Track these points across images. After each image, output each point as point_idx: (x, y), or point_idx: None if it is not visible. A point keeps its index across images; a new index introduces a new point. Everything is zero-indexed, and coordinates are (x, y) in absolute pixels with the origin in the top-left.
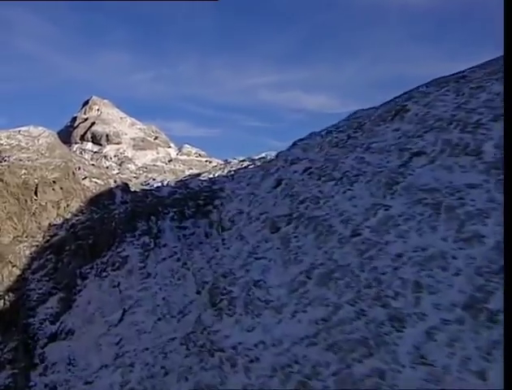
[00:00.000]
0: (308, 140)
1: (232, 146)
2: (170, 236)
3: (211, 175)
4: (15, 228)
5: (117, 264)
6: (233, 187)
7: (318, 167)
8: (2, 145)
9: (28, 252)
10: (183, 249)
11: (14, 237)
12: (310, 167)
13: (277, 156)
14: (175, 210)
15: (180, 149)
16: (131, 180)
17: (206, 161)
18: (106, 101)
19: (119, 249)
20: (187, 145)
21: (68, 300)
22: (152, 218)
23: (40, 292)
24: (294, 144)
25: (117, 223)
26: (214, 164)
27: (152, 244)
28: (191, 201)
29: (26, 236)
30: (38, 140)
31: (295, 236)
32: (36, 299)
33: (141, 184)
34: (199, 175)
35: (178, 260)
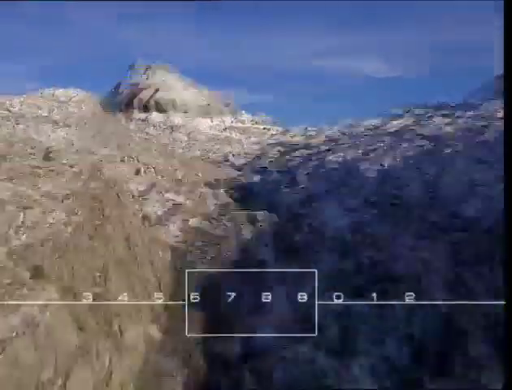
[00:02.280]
0: None
1: (287, 113)
2: None
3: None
4: None
5: None
6: None
7: None
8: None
9: None
10: None
11: None
12: None
13: None
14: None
15: (235, 116)
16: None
17: (264, 128)
18: (165, 65)
19: None
20: (243, 112)
21: None
22: None
23: None
24: None
25: None
26: (273, 132)
27: None
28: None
29: None
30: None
31: None
32: None
33: (210, 161)
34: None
35: None
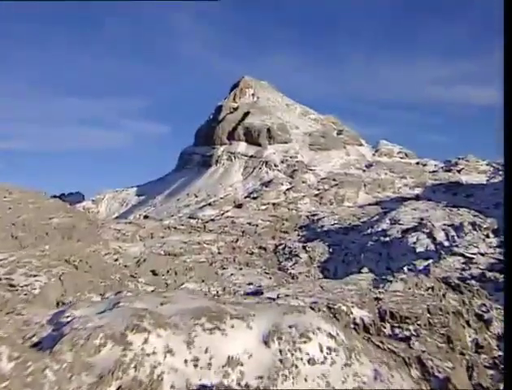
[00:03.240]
0: None
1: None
2: None
3: None
4: None
5: None
6: None
7: None
8: None
9: None
10: None
11: None
12: None
13: None
14: None
15: (376, 148)
16: (317, 203)
17: (418, 163)
18: (264, 82)
19: None
20: (384, 141)
21: None
22: None
23: None
24: None
25: None
26: (431, 168)
27: None
28: None
29: None
30: None
31: None
32: None
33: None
34: None
35: None
